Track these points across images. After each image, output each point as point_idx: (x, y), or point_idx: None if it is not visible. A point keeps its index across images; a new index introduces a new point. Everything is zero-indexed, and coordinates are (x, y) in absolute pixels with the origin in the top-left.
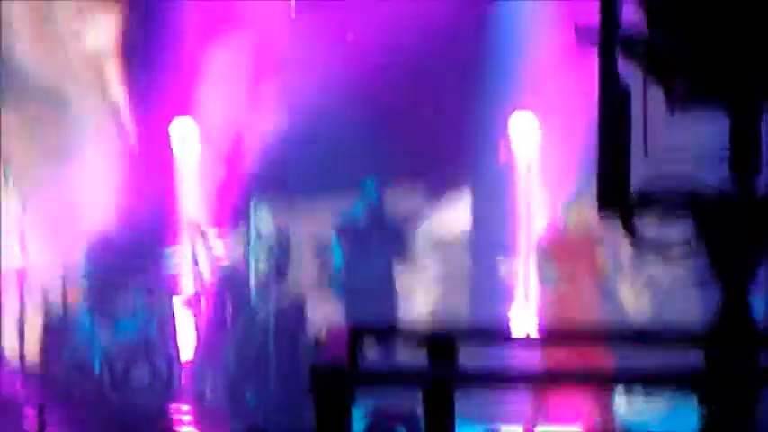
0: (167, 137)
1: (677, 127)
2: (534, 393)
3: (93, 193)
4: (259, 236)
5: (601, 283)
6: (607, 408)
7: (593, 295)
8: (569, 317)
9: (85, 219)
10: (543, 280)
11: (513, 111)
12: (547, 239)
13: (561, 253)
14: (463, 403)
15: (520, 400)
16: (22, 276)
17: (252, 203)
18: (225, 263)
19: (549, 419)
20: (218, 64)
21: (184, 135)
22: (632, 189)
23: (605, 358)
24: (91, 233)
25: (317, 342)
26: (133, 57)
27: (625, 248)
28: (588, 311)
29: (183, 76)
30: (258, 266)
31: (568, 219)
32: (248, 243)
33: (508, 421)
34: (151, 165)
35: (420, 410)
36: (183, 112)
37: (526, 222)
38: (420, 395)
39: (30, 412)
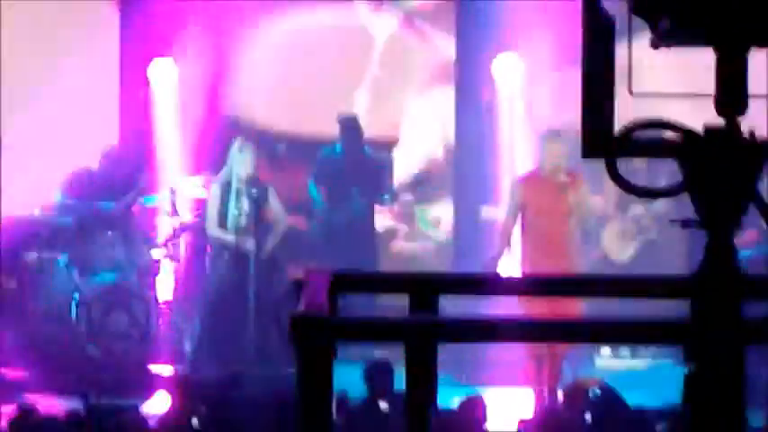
0: (147, 78)
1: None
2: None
3: (72, 135)
4: (239, 179)
5: (580, 226)
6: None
7: (572, 240)
8: (546, 263)
9: (63, 161)
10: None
11: (498, 52)
12: (525, 182)
13: (539, 196)
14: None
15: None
16: None
17: (233, 146)
18: (204, 206)
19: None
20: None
21: (164, 76)
22: (617, 129)
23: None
24: (68, 175)
25: (297, 286)
26: None
27: (609, 189)
28: (567, 257)
29: (163, 17)
30: (237, 210)
31: (545, 160)
32: (228, 186)
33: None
34: (130, 107)
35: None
36: (164, 54)
37: (509, 165)
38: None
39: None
